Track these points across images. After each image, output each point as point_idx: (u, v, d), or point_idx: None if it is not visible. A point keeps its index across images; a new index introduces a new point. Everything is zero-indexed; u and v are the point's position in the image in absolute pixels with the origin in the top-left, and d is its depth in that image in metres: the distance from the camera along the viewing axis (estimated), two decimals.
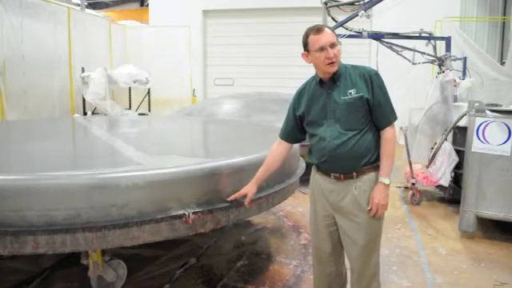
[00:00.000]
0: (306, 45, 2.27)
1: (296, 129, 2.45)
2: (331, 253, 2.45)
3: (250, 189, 2.51)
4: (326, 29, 2.22)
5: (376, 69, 2.35)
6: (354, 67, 2.31)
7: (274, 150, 2.53)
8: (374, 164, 2.29)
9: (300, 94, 2.42)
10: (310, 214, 2.52)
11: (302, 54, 2.32)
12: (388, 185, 2.26)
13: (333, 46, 2.19)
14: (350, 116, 2.23)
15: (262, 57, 11.16)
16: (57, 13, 8.31)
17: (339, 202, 2.32)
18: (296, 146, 3.45)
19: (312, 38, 2.21)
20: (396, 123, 2.37)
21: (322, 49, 2.18)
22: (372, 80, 2.23)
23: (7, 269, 3.36)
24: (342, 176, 2.29)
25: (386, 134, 2.28)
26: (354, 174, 2.27)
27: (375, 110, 2.24)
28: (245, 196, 2.51)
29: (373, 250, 2.34)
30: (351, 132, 2.23)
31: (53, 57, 8.18)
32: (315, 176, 2.44)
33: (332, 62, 2.19)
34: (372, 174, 2.29)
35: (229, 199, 2.55)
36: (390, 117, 2.28)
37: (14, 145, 3.68)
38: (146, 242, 2.35)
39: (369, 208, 2.26)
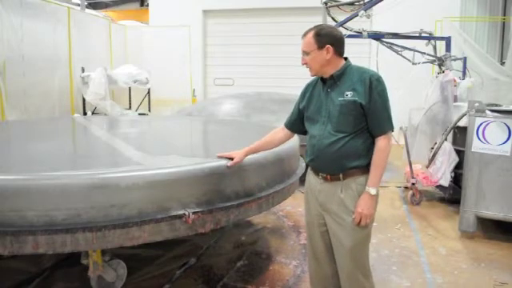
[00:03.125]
0: None
1: (299, 120, 2.49)
2: (326, 252, 2.43)
3: (238, 154, 2.55)
4: (308, 35, 2.26)
5: (376, 69, 2.35)
6: (359, 69, 2.28)
7: (275, 133, 2.60)
8: (364, 169, 2.25)
9: (307, 87, 2.46)
10: (305, 213, 2.53)
11: None
12: (374, 195, 2.23)
13: (304, 53, 2.28)
14: (341, 118, 2.21)
15: (262, 57, 11.15)
16: (57, 13, 8.32)
17: (326, 203, 2.32)
18: (296, 145, 3.47)
19: None
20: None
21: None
22: (372, 85, 2.18)
23: (7, 269, 3.36)
24: (328, 177, 2.29)
25: (379, 143, 2.22)
26: (341, 175, 2.25)
27: (370, 117, 2.20)
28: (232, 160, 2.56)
29: (361, 252, 2.31)
30: (341, 134, 2.22)
31: (53, 57, 8.18)
32: (308, 176, 2.46)
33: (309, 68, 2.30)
34: (361, 179, 2.26)
35: (217, 155, 2.61)
36: (384, 126, 2.22)
37: (14, 145, 3.68)
38: (145, 242, 2.34)
39: (353, 217, 2.24)
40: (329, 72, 2.27)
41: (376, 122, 2.21)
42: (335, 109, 2.22)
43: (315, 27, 2.28)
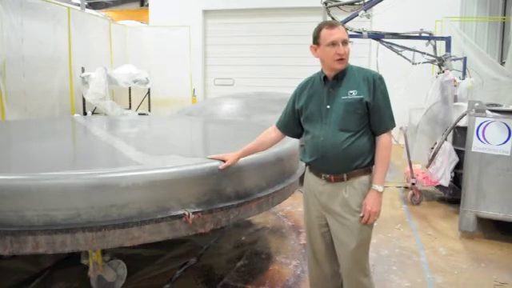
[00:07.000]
0: (316, 38, 2.25)
1: (293, 122, 2.45)
2: (326, 253, 2.43)
3: (231, 157, 2.53)
4: (341, 26, 2.23)
5: (376, 69, 2.35)
6: (360, 69, 2.30)
7: (267, 133, 2.56)
8: (366, 168, 2.27)
9: (302, 87, 2.41)
10: (304, 214, 2.51)
11: (311, 47, 2.30)
12: (381, 192, 2.24)
13: (344, 43, 2.19)
14: (347, 116, 2.21)
15: (261, 57, 11.14)
16: (57, 13, 8.32)
17: (329, 204, 2.31)
18: (296, 145, 3.46)
19: (325, 31, 2.20)
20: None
21: (333, 44, 2.18)
22: (375, 84, 2.21)
23: (7, 269, 3.36)
24: (332, 178, 2.27)
25: (383, 140, 2.25)
26: (345, 176, 2.25)
27: (374, 115, 2.22)
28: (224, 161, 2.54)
29: (363, 252, 2.32)
30: (346, 133, 2.21)
31: (53, 57, 8.19)
32: (307, 176, 2.44)
33: (341, 59, 2.19)
34: (364, 178, 2.27)
35: (208, 157, 2.59)
36: (387, 123, 2.26)
37: (14, 145, 3.68)
38: (145, 242, 2.34)
39: (361, 215, 2.24)
40: (341, 69, 2.25)
41: (380, 119, 2.24)
42: (340, 107, 2.22)
43: (337, 22, 2.27)
